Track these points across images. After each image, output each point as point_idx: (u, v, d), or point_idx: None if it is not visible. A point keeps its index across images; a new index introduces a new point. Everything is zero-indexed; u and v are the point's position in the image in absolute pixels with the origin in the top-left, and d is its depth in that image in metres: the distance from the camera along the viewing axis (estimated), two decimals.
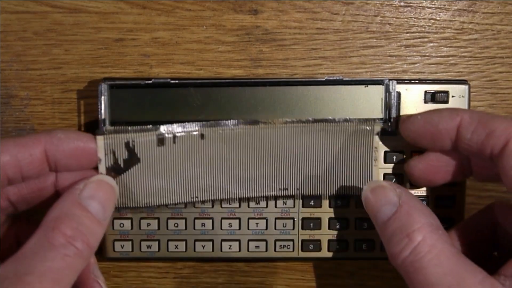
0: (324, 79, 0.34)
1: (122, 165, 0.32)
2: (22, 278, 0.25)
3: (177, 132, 0.32)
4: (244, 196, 0.34)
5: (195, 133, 0.32)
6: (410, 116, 0.32)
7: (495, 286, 0.26)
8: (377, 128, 0.33)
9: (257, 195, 0.34)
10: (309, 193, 0.34)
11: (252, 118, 0.34)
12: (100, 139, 0.31)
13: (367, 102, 0.34)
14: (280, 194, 0.34)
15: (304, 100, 0.34)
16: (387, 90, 0.34)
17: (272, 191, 0.34)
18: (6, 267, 0.25)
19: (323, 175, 0.34)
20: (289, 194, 0.34)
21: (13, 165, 0.28)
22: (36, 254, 0.26)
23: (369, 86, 0.34)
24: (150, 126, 0.32)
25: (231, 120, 0.33)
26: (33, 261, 0.25)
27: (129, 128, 0.32)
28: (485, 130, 0.28)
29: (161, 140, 0.32)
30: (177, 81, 0.34)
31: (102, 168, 0.31)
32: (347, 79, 0.34)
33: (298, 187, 0.34)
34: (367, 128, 0.33)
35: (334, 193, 0.34)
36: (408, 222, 0.28)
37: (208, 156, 0.33)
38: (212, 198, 0.34)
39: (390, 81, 0.34)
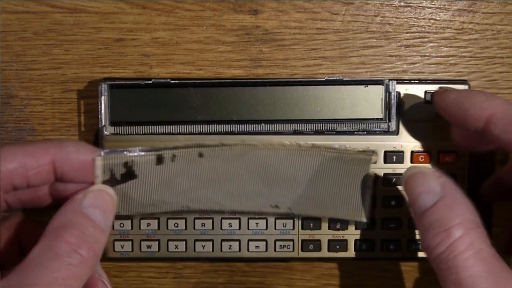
0: (324, 79, 0.34)
1: (118, 180, 0.31)
2: None
3: (176, 151, 0.32)
4: (235, 210, 0.34)
5: (194, 151, 0.32)
6: (444, 92, 0.31)
7: None
8: (374, 158, 0.33)
9: (249, 210, 0.34)
10: (299, 214, 0.34)
11: (252, 118, 0.34)
12: (99, 159, 0.30)
13: (367, 102, 0.34)
14: (271, 212, 0.34)
15: (304, 100, 0.34)
16: (387, 90, 0.34)
17: (264, 208, 0.34)
18: (11, 279, 0.25)
19: (316, 198, 0.33)
20: (280, 212, 0.34)
21: (20, 173, 0.28)
22: (41, 264, 0.25)
23: (369, 86, 0.34)
24: (150, 147, 0.32)
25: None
26: (39, 272, 0.25)
27: (129, 149, 0.31)
28: None
29: (160, 159, 0.32)
30: (177, 81, 0.34)
31: (98, 182, 0.31)
32: (347, 79, 0.34)
33: (289, 207, 0.34)
34: (365, 157, 0.33)
35: (325, 215, 0.34)
36: (448, 216, 0.27)
37: (204, 172, 0.33)
38: (204, 209, 0.34)
39: (390, 81, 0.34)
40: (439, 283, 0.27)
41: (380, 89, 0.34)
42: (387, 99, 0.34)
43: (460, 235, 0.26)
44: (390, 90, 0.34)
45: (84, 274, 0.27)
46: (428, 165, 0.31)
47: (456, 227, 0.26)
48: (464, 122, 0.29)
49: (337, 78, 0.34)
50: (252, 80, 0.34)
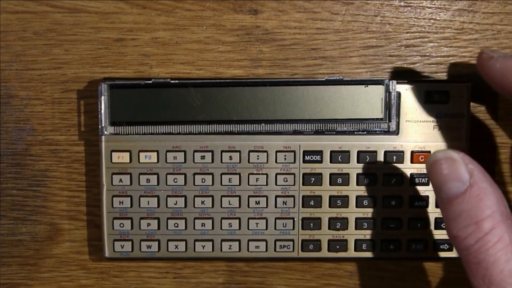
0: (324, 79, 0.34)
1: None
2: None
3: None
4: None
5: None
6: (489, 59, 0.29)
7: None
8: None
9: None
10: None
11: (252, 118, 0.34)
12: None
13: (367, 102, 0.34)
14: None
15: (304, 100, 0.34)
16: (387, 90, 0.34)
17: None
18: None
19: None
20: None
21: None
22: None
23: (369, 86, 0.34)
24: None
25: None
26: None
27: None
28: None
29: None
30: (177, 81, 0.34)
31: None
32: (347, 79, 0.34)
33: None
34: None
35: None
36: (477, 207, 0.25)
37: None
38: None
39: (390, 81, 0.34)
40: (465, 274, 0.26)
41: (380, 89, 0.34)
42: (387, 99, 0.34)
43: (490, 228, 0.25)
44: (390, 90, 0.34)
45: None
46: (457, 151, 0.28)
47: (486, 220, 0.25)
48: (510, 92, 0.28)
49: (337, 78, 0.34)
50: (252, 80, 0.34)
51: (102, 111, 0.34)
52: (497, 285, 0.25)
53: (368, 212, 0.35)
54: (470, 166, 0.26)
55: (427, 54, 0.36)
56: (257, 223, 0.35)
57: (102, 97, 0.34)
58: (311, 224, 0.35)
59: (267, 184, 0.35)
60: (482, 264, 0.25)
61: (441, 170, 0.27)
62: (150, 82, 0.34)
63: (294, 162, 0.35)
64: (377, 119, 0.34)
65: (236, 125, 0.34)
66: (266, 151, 0.35)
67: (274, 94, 0.34)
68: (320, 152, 0.35)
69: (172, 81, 0.34)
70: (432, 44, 0.36)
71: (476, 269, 0.25)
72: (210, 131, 0.34)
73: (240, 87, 0.34)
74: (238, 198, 0.35)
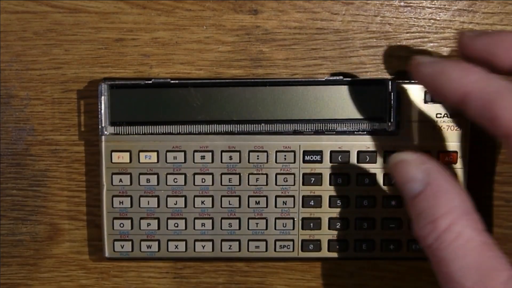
0: (324, 79, 0.34)
1: None
2: None
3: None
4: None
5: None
6: (420, 62, 0.29)
7: None
8: None
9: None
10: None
11: (252, 118, 0.34)
12: None
13: (367, 102, 0.34)
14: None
15: (304, 100, 0.34)
16: (388, 90, 0.34)
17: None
18: None
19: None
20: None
21: None
22: None
23: (369, 86, 0.34)
24: None
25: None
26: None
27: None
28: (490, 114, 0.25)
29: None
30: (177, 81, 0.34)
31: None
32: (347, 79, 0.34)
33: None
34: None
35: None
36: (434, 206, 0.26)
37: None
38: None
39: (391, 82, 0.34)
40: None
41: (381, 89, 0.34)
42: (388, 99, 0.34)
43: (447, 225, 0.25)
44: (391, 90, 0.34)
45: None
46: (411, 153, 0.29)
47: (442, 218, 0.25)
48: (441, 97, 0.28)
49: (337, 78, 0.34)
50: (252, 80, 0.34)
51: (102, 111, 0.34)
52: (457, 282, 0.25)
53: (368, 212, 0.35)
54: (426, 166, 0.27)
55: (427, 54, 0.36)
56: (257, 223, 0.35)
57: (102, 97, 0.34)
58: (311, 224, 0.35)
59: (267, 184, 0.35)
60: (442, 262, 0.25)
61: (398, 174, 0.27)
62: (150, 82, 0.34)
63: (294, 162, 0.35)
64: (377, 119, 0.34)
65: (236, 125, 0.34)
66: (266, 151, 0.35)
67: (274, 94, 0.34)
68: (320, 152, 0.35)
69: (172, 81, 0.34)
70: (432, 44, 0.36)
71: (439, 267, 0.25)
72: (210, 131, 0.34)
73: (240, 87, 0.34)
74: (238, 198, 0.35)
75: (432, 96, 0.31)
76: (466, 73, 0.27)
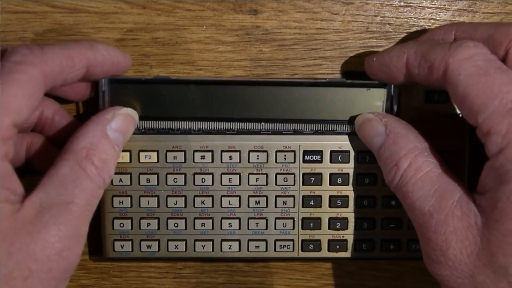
0: (326, 81, 0.34)
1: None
2: (68, 207, 0.26)
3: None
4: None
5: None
6: (369, 58, 0.32)
7: (469, 205, 0.27)
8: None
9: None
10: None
11: (253, 116, 0.34)
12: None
13: (368, 105, 0.34)
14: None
15: (304, 100, 0.34)
16: (389, 94, 0.34)
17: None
18: (49, 192, 0.26)
19: None
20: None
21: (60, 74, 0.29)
22: (74, 183, 0.27)
23: (371, 89, 0.34)
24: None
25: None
26: (74, 191, 0.27)
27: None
28: (427, 63, 0.29)
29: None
30: (177, 78, 0.34)
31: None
32: (349, 81, 0.34)
33: None
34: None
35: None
36: (395, 151, 0.30)
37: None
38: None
39: (393, 85, 0.33)
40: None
41: (382, 92, 0.34)
42: (389, 103, 0.34)
43: (407, 164, 0.29)
44: (392, 94, 0.34)
45: (99, 197, 0.29)
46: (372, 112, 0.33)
47: (403, 159, 0.29)
48: (391, 75, 0.31)
49: (339, 80, 0.34)
50: (253, 80, 0.34)
51: (103, 107, 0.34)
52: (418, 209, 0.28)
53: (368, 212, 0.35)
54: (384, 120, 0.31)
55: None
56: (257, 223, 0.35)
57: (102, 93, 0.33)
58: (311, 224, 0.35)
59: (267, 184, 0.35)
60: (405, 196, 0.29)
61: (364, 132, 0.32)
62: (150, 78, 0.34)
63: (294, 162, 0.35)
64: None
65: (236, 123, 0.34)
66: (266, 151, 0.35)
67: (275, 93, 0.34)
68: (320, 152, 0.35)
69: (172, 78, 0.34)
70: None
71: (404, 203, 0.29)
72: (211, 128, 0.34)
73: (241, 85, 0.34)
74: (238, 198, 0.35)
75: (385, 82, 0.33)
76: (402, 45, 0.31)
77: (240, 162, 0.35)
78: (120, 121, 0.30)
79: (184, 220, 0.35)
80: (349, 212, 0.35)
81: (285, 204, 0.35)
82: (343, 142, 0.34)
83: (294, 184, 0.35)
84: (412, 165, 0.29)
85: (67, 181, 0.27)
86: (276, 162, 0.35)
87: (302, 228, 0.35)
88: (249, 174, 0.35)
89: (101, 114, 0.30)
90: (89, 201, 0.28)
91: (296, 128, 0.34)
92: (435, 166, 0.29)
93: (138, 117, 0.33)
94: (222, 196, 0.35)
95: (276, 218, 0.35)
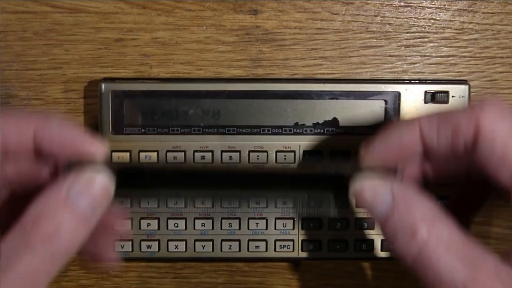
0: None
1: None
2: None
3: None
4: None
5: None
6: (366, 145, 0.28)
7: (508, 272, 0.24)
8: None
9: None
10: None
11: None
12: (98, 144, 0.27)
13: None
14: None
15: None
16: (389, 104, 0.34)
17: None
18: None
19: None
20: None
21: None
22: (13, 254, 0.24)
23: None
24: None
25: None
26: (10, 261, 0.24)
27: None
28: (449, 126, 0.26)
29: None
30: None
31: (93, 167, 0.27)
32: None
33: None
34: None
35: None
36: (408, 217, 0.26)
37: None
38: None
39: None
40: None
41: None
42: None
43: (426, 231, 0.25)
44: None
45: (54, 268, 0.25)
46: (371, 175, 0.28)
47: (420, 225, 0.25)
48: (403, 154, 0.28)
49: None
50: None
51: (103, 111, 0.34)
52: (447, 278, 0.24)
53: (368, 212, 0.35)
54: (390, 185, 0.26)
55: (427, 54, 0.36)
56: (257, 223, 0.35)
57: (103, 97, 0.34)
58: (311, 224, 0.35)
59: None
60: (429, 267, 0.25)
61: (366, 198, 0.27)
62: (151, 82, 0.34)
63: (294, 162, 0.35)
64: (377, 125, 0.34)
65: (236, 124, 0.34)
66: (266, 151, 0.35)
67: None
68: (320, 152, 0.35)
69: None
70: (432, 44, 0.36)
71: (427, 274, 0.25)
72: (210, 131, 0.34)
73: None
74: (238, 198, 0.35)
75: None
76: (410, 119, 0.27)
77: (240, 162, 0.35)
78: (82, 184, 0.25)
79: (184, 220, 0.35)
80: (349, 212, 0.35)
81: (285, 204, 0.35)
82: (343, 142, 0.34)
83: None
84: (433, 232, 0.25)
85: (7, 252, 0.24)
86: (276, 162, 0.35)
87: (302, 228, 0.35)
88: None
89: (60, 177, 0.26)
90: (30, 272, 0.24)
91: (296, 128, 0.34)
92: (456, 232, 0.25)
93: (109, 177, 0.26)
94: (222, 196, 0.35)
95: (276, 218, 0.35)
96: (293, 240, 0.35)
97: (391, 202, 0.26)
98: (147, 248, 0.35)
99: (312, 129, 0.34)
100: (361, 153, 0.28)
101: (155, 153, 0.34)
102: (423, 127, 0.27)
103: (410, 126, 0.27)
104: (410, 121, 0.27)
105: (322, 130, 0.34)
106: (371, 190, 0.27)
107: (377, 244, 0.35)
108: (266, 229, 0.35)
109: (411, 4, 0.36)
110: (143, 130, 0.34)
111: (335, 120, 0.34)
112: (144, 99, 0.34)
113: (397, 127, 0.28)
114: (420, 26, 0.36)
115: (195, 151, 0.34)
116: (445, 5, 0.36)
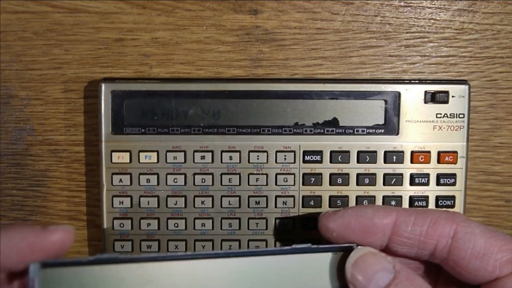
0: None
1: None
2: None
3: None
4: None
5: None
6: (335, 211, 0.28)
7: None
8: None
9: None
10: None
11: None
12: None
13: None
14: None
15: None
16: (389, 104, 0.34)
17: None
18: None
19: None
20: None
21: None
22: None
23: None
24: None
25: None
26: None
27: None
28: (427, 220, 0.27)
29: None
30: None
31: None
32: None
33: None
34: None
35: None
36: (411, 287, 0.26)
37: None
38: None
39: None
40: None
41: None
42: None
43: None
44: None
45: None
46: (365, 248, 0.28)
47: None
48: (369, 231, 0.28)
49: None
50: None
51: (103, 111, 0.34)
52: None
53: None
54: (389, 257, 0.27)
55: (427, 54, 0.36)
56: (257, 223, 0.35)
57: (103, 97, 0.34)
58: (311, 225, 0.35)
59: (267, 184, 0.35)
60: None
61: (367, 265, 0.26)
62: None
63: (294, 162, 0.35)
64: (377, 125, 0.34)
65: (236, 124, 0.34)
66: (266, 151, 0.35)
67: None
68: (320, 152, 0.35)
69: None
70: (432, 44, 0.36)
71: None
72: (210, 131, 0.34)
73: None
74: (238, 198, 0.35)
75: (352, 240, 0.28)
76: (388, 206, 0.29)
77: (240, 162, 0.35)
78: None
79: (184, 220, 0.35)
80: None
81: (285, 204, 0.35)
82: (343, 142, 0.34)
83: (294, 184, 0.35)
84: None
85: None
86: (276, 162, 0.35)
87: (302, 228, 0.35)
88: (249, 174, 0.35)
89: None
90: None
91: (296, 128, 0.34)
92: None
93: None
94: (222, 196, 0.35)
95: (276, 218, 0.35)
96: (293, 240, 0.35)
97: (393, 271, 0.26)
98: (147, 248, 0.35)
99: (312, 129, 0.34)
100: (322, 218, 0.28)
101: (155, 153, 0.34)
102: (400, 214, 0.27)
103: (387, 210, 0.28)
104: (388, 207, 0.28)
105: (322, 130, 0.34)
106: (373, 257, 0.27)
107: None
108: (266, 229, 0.35)
109: (411, 4, 0.36)
110: (143, 130, 0.34)
111: (335, 120, 0.34)
112: (144, 99, 0.34)
113: (372, 206, 0.29)
114: (420, 26, 0.36)
115: (195, 151, 0.34)
116: (445, 5, 0.36)
